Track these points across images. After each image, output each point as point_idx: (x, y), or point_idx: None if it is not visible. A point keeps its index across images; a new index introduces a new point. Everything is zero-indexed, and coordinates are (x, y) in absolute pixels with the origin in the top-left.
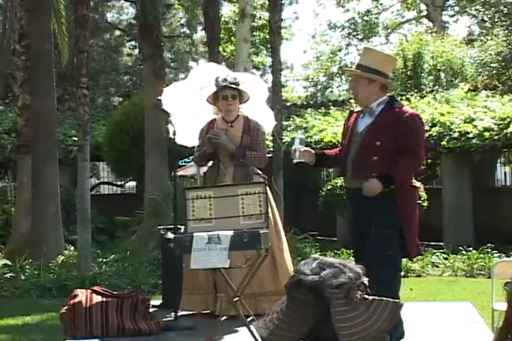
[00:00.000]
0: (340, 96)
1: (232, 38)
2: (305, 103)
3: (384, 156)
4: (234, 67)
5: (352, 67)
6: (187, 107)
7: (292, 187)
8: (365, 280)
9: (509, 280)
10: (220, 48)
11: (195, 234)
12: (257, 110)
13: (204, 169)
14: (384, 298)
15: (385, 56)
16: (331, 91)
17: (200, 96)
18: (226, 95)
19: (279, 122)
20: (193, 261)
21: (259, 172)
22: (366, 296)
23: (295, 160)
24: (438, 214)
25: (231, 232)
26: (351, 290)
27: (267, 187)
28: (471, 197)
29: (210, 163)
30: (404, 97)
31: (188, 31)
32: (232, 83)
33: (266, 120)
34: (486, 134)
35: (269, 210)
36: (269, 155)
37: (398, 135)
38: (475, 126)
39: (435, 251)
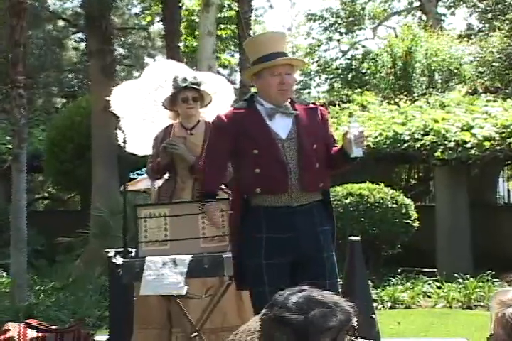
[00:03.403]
0: (319, 98)
1: (195, 31)
2: None
3: (321, 160)
4: (196, 64)
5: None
6: (139, 110)
7: None
8: (355, 321)
9: (492, 333)
10: (181, 43)
11: (147, 258)
12: None
13: (159, 183)
14: None
15: (281, 35)
16: (309, 93)
17: (155, 98)
18: (186, 97)
19: None
20: (144, 286)
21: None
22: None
23: (353, 155)
24: (430, 236)
25: (189, 256)
26: (339, 336)
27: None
28: (468, 216)
29: (166, 176)
30: (392, 101)
31: (143, 22)
32: (193, 83)
33: None
34: (487, 144)
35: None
36: None
37: (325, 133)
38: (473, 135)
39: (427, 278)
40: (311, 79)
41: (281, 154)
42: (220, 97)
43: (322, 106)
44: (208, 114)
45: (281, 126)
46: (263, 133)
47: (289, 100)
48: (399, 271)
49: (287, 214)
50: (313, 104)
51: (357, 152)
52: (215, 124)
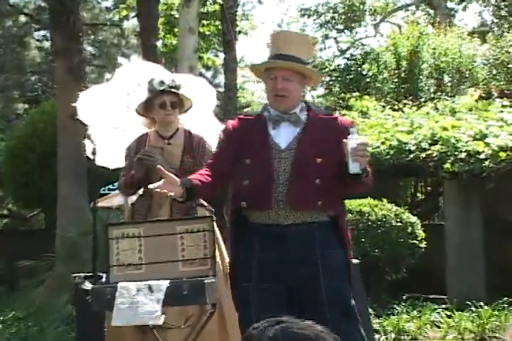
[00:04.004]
0: (315, 103)
1: (174, 27)
2: None
3: (327, 178)
4: (176, 65)
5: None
6: (110, 118)
7: None
8: None
9: None
10: (159, 41)
11: (119, 284)
12: (203, 122)
13: (133, 199)
14: None
15: (302, 37)
16: (303, 97)
17: (128, 104)
18: (163, 102)
19: None
20: (116, 315)
21: (205, 203)
22: None
23: (349, 171)
24: (439, 258)
25: (167, 282)
26: None
27: (215, 224)
28: (482, 236)
29: (141, 192)
30: (396, 106)
31: (115, 18)
32: (171, 87)
33: (214, 135)
34: (502, 155)
35: (218, 253)
36: None
37: (340, 149)
38: (487, 145)
39: (436, 306)
40: None
41: (272, 165)
42: (202, 102)
43: (349, 122)
44: (187, 121)
45: (285, 136)
46: (260, 141)
47: (301, 107)
48: (404, 297)
49: (278, 234)
50: (331, 115)
51: (353, 168)
52: (221, 131)
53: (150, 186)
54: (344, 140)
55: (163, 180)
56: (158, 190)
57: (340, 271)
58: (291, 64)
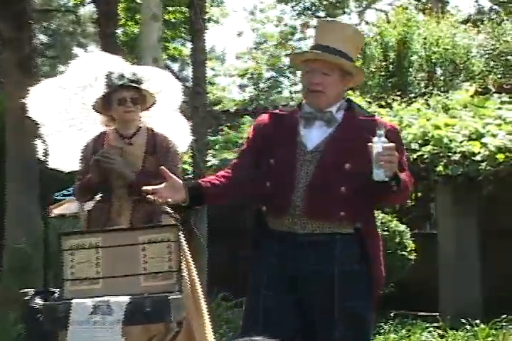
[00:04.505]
0: (292, 99)
1: (136, 14)
2: (241, 109)
3: (355, 187)
4: (138, 56)
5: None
6: (64, 115)
7: (224, 232)
8: None
9: None
10: (119, 29)
11: (74, 300)
12: (167, 120)
13: (89, 206)
14: None
15: (353, 31)
16: (280, 92)
17: (84, 100)
18: (123, 98)
19: (201, 137)
20: (70, 335)
21: (170, 210)
22: None
23: (376, 178)
24: (431, 271)
25: (127, 298)
26: None
27: (181, 233)
28: (478, 246)
29: (98, 198)
30: (383, 102)
31: (70, 3)
32: (132, 81)
33: (180, 134)
34: (500, 157)
35: (184, 266)
36: None
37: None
38: (484, 145)
39: (427, 325)
40: (283, 76)
41: (295, 168)
42: (166, 98)
43: (390, 125)
44: (150, 119)
45: (315, 136)
46: (286, 140)
47: (340, 106)
48: (392, 314)
49: (293, 244)
50: (372, 116)
51: (377, 175)
52: (252, 126)
53: (144, 189)
54: (369, 143)
55: (164, 183)
56: (152, 197)
57: (359, 289)
58: (334, 57)
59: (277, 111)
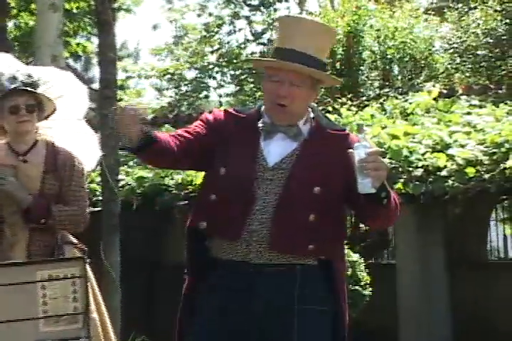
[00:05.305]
0: (221, 104)
1: (31, 3)
2: (161, 117)
3: (324, 213)
4: (33, 54)
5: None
6: None
7: (142, 264)
8: None
9: None
10: (10, 21)
11: None
12: (71, 131)
13: None
14: None
15: (326, 29)
16: (206, 97)
17: None
18: (16, 105)
19: (112, 151)
20: None
21: (74, 240)
22: None
23: (362, 190)
24: (390, 309)
25: None
26: None
27: (89, 267)
28: (446, 279)
29: None
30: (329, 107)
31: None
32: (26, 84)
33: (86, 149)
34: (470, 171)
35: (94, 307)
36: (95, 209)
37: (346, 175)
38: (451, 158)
39: None
40: (210, 77)
41: (252, 185)
42: (69, 104)
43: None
44: (50, 131)
45: (276, 151)
46: (244, 150)
47: (307, 118)
48: None
49: (245, 276)
50: (343, 130)
51: (363, 186)
52: (201, 117)
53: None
54: (350, 150)
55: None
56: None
57: (323, 333)
58: (307, 69)
59: (232, 110)
